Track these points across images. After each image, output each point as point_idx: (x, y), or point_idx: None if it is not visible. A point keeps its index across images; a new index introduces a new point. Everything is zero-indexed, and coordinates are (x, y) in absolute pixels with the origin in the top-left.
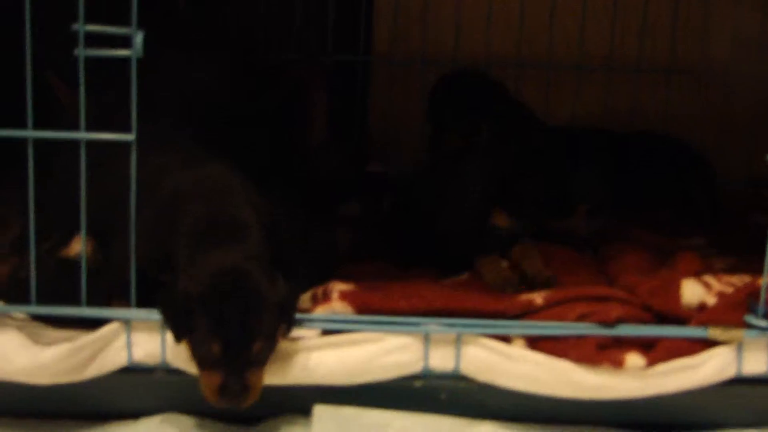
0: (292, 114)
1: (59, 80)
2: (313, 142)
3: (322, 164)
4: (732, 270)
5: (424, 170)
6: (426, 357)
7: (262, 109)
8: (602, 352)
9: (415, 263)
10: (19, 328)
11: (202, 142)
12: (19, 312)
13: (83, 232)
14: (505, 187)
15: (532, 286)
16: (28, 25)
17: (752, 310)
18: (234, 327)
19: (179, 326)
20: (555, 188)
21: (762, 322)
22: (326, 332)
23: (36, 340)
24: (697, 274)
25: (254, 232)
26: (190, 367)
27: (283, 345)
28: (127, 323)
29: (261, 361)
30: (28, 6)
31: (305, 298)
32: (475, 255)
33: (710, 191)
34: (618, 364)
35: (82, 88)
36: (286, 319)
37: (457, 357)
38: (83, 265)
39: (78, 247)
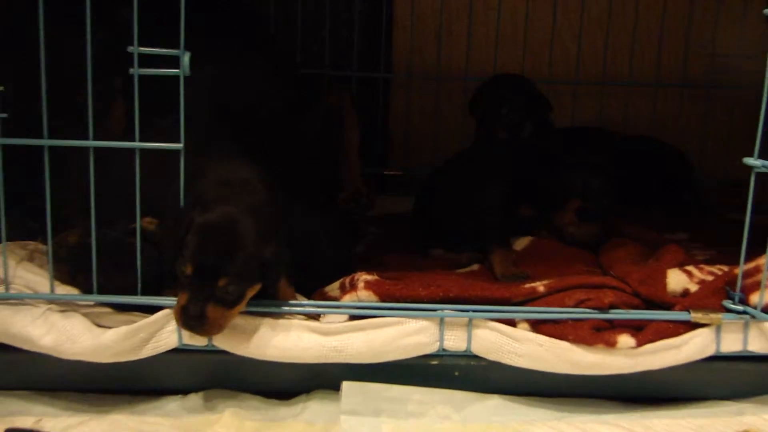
0: (329, 139)
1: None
2: (345, 171)
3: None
4: (712, 261)
5: (450, 165)
6: (441, 339)
7: (303, 127)
8: (597, 334)
9: (432, 248)
10: (85, 314)
11: (240, 146)
12: (83, 301)
13: (138, 223)
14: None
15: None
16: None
17: (729, 297)
18: (207, 258)
19: (174, 245)
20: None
21: (738, 307)
22: (353, 318)
23: (98, 323)
24: (681, 265)
25: (265, 201)
26: (233, 346)
27: (314, 328)
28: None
29: (225, 300)
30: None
31: (334, 287)
32: (504, 236)
33: (696, 191)
34: (611, 344)
35: (137, 103)
36: (266, 279)
37: (469, 338)
38: (138, 261)
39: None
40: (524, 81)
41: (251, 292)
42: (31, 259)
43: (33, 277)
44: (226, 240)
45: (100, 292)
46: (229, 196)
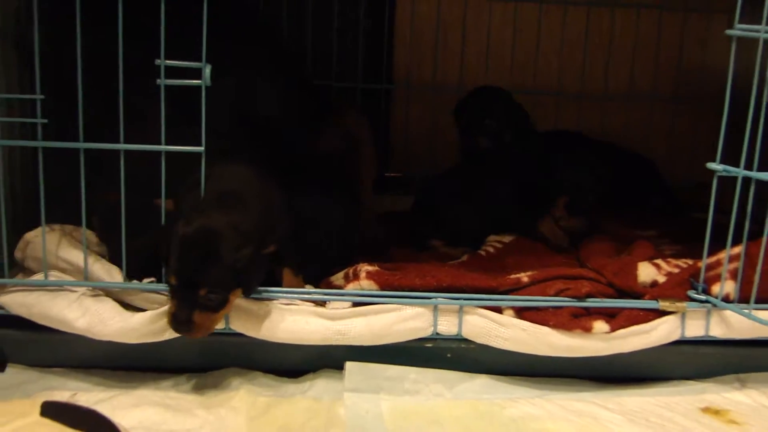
0: (343, 160)
1: None
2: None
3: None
4: (678, 255)
5: (450, 172)
6: (435, 324)
7: (320, 143)
8: (575, 320)
9: (432, 240)
10: (115, 298)
11: (247, 154)
12: (114, 288)
13: (163, 209)
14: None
15: None
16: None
17: (693, 287)
18: (187, 270)
19: (164, 256)
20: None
21: (701, 297)
22: (356, 304)
23: (126, 307)
24: (650, 259)
25: (251, 213)
26: (246, 329)
27: (320, 313)
28: None
29: (208, 306)
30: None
31: (338, 277)
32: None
33: (663, 192)
34: (587, 329)
35: (162, 110)
36: (242, 284)
37: (460, 324)
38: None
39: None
40: (503, 93)
41: (234, 296)
42: (71, 240)
43: (73, 254)
44: (203, 254)
45: (121, 252)
46: (213, 209)
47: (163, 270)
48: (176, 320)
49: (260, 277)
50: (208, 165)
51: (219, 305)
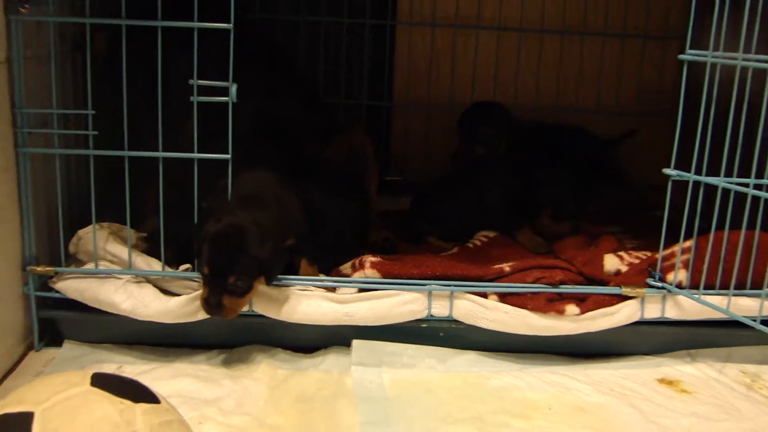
0: (351, 169)
1: None
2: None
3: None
4: (638, 248)
5: (443, 177)
6: (429, 307)
7: (329, 154)
8: (550, 304)
9: (429, 236)
10: (155, 284)
11: (268, 162)
12: (153, 276)
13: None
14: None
15: None
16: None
17: (651, 276)
18: (218, 260)
19: (197, 249)
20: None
21: (658, 284)
22: (361, 290)
23: (164, 292)
24: (614, 251)
25: (272, 212)
26: (267, 311)
27: (330, 298)
28: None
29: (236, 292)
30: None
31: (346, 267)
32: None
33: (627, 194)
34: (560, 312)
35: (195, 123)
36: (265, 273)
37: (451, 307)
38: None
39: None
40: (498, 106)
41: (258, 283)
42: (116, 237)
43: (118, 249)
44: (232, 247)
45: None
46: (239, 209)
47: (197, 261)
48: (209, 304)
49: (281, 267)
50: (235, 171)
51: (245, 291)
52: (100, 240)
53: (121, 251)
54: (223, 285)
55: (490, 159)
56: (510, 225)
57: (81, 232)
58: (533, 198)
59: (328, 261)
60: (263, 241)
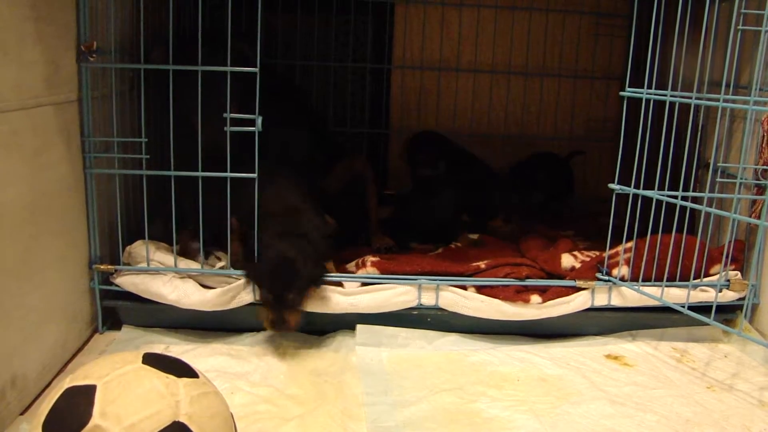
0: (354, 190)
1: None
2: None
3: None
4: (589, 248)
5: (410, 191)
6: (419, 297)
7: (333, 176)
8: (518, 294)
9: (412, 242)
10: (195, 279)
11: (296, 180)
12: (194, 273)
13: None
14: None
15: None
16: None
17: (600, 271)
18: (278, 287)
19: (257, 286)
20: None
21: (605, 277)
22: (364, 284)
23: (204, 285)
24: (570, 251)
25: (306, 238)
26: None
27: (338, 291)
28: None
29: (294, 306)
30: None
31: (351, 265)
32: (450, 236)
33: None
34: (526, 301)
35: (228, 148)
36: (314, 284)
37: (437, 297)
38: (229, 247)
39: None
40: (435, 134)
41: (308, 293)
42: (165, 249)
43: (164, 257)
44: (287, 275)
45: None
46: (284, 241)
47: (255, 288)
48: (275, 323)
49: (322, 272)
50: (265, 192)
51: (301, 303)
52: (152, 247)
53: (164, 258)
54: (284, 303)
55: (442, 178)
56: (454, 232)
57: (129, 248)
58: (486, 206)
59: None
60: (306, 262)
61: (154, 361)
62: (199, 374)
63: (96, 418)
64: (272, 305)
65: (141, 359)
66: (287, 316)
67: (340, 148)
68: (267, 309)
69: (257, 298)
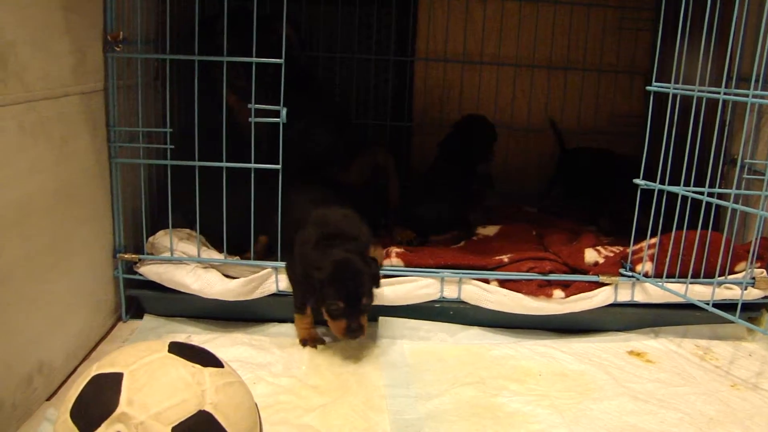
0: (377, 185)
1: None
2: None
3: None
4: (612, 244)
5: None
6: (442, 290)
7: (356, 170)
8: (540, 289)
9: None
10: (218, 269)
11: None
12: (217, 263)
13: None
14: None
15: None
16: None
17: (623, 266)
18: (350, 292)
19: (317, 299)
20: None
21: (629, 273)
22: (387, 276)
23: (227, 275)
24: (593, 246)
25: (356, 240)
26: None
27: None
28: (275, 269)
29: (366, 310)
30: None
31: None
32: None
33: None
34: (549, 295)
35: (252, 139)
36: (375, 283)
37: (459, 290)
38: (251, 247)
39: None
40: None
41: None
42: (187, 239)
43: (188, 247)
44: (355, 277)
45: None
46: (341, 247)
47: (317, 301)
48: (351, 329)
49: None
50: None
51: (371, 304)
52: (176, 237)
53: (187, 248)
54: (357, 310)
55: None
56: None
57: (152, 238)
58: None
59: None
60: (369, 263)
61: (179, 350)
62: (224, 364)
63: (123, 406)
64: (347, 314)
65: (167, 348)
66: (361, 321)
67: (363, 140)
68: (340, 319)
69: (279, 288)
